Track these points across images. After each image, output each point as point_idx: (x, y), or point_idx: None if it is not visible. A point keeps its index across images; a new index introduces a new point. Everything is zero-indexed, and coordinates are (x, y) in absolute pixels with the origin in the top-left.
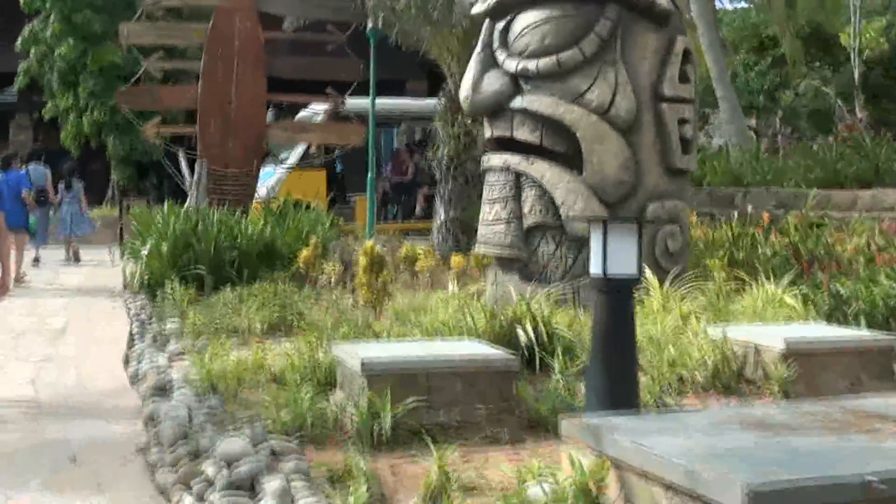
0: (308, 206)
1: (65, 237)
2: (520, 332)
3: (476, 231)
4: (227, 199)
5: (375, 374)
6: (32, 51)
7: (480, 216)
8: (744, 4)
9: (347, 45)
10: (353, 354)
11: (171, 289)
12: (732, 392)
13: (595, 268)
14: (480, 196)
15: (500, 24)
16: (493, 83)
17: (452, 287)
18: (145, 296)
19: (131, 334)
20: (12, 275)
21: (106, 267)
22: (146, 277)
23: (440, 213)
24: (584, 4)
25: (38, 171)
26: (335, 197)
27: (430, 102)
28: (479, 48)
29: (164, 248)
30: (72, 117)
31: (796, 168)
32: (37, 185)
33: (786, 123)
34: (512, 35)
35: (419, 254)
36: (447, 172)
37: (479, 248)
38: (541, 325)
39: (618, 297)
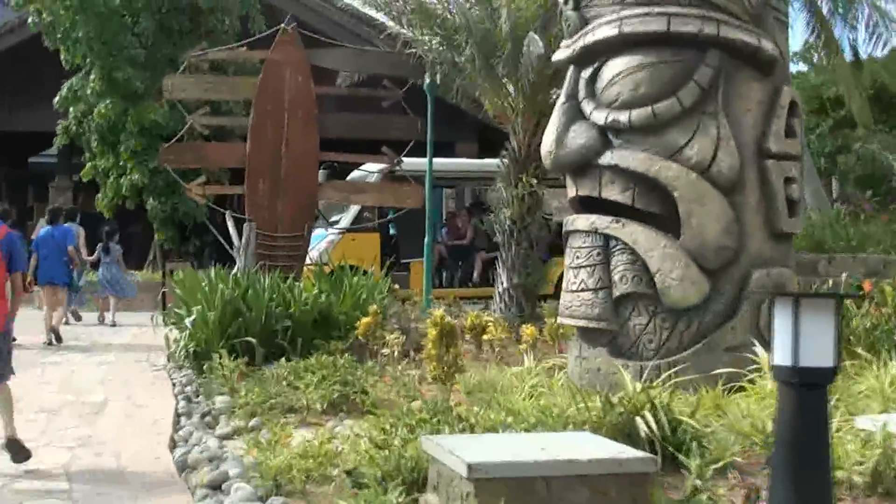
0: (363, 272)
1: (101, 300)
2: (640, 422)
3: (540, 298)
4: (277, 264)
5: (485, 480)
6: (72, 110)
7: (564, 284)
8: (803, 67)
9: (403, 102)
10: (452, 452)
11: (220, 361)
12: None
13: (781, 356)
14: (544, 261)
15: (587, 72)
16: (578, 137)
17: (528, 360)
18: (191, 368)
19: (177, 412)
20: (53, 322)
21: (147, 333)
22: (192, 347)
23: (502, 279)
24: (683, 50)
25: (69, 231)
26: (389, 262)
27: (490, 162)
28: (562, 99)
29: (211, 316)
30: (111, 179)
31: (884, 233)
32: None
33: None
34: (600, 84)
35: (487, 323)
36: (510, 236)
37: (562, 319)
38: (662, 414)
39: (811, 394)
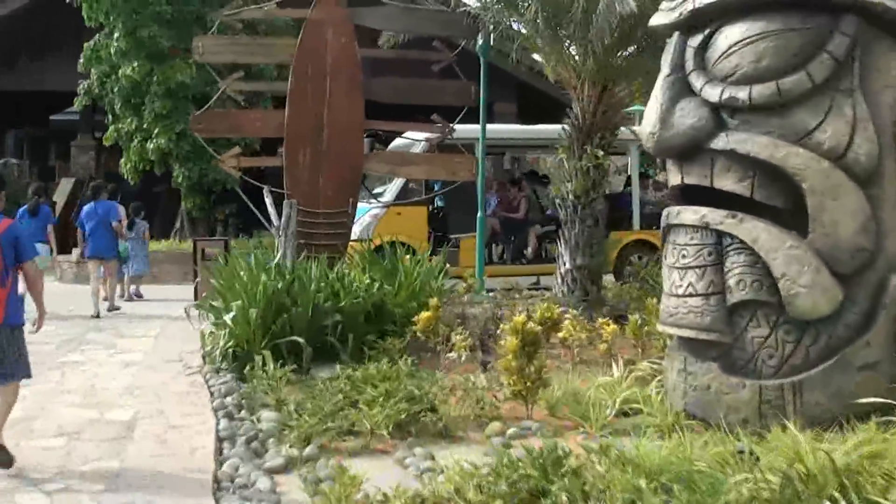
0: (412, 250)
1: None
2: None
3: (604, 278)
4: (319, 244)
5: None
6: (94, 70)
7: (665, 286)
8: None
9: (455, 65)
10: None
11: (263, 365)
12: None
13: None
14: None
15: (696, 40)
16: (687, 116)
17: (615, 369)
18: (230, 371)
19: (219, 437)
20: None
21: (178, 323)
22: (231, 348)
23: (564, 260)
24: (814, 15)
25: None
26: (437, 238)
27: (545, 129)
28: (665, 71)
29: (253, 313)
30: (135, 142)
31: None
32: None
33: None
34: (713, 54)
35: (562, 318)
36: (573, 212)
37: (663, 327)
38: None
39: None
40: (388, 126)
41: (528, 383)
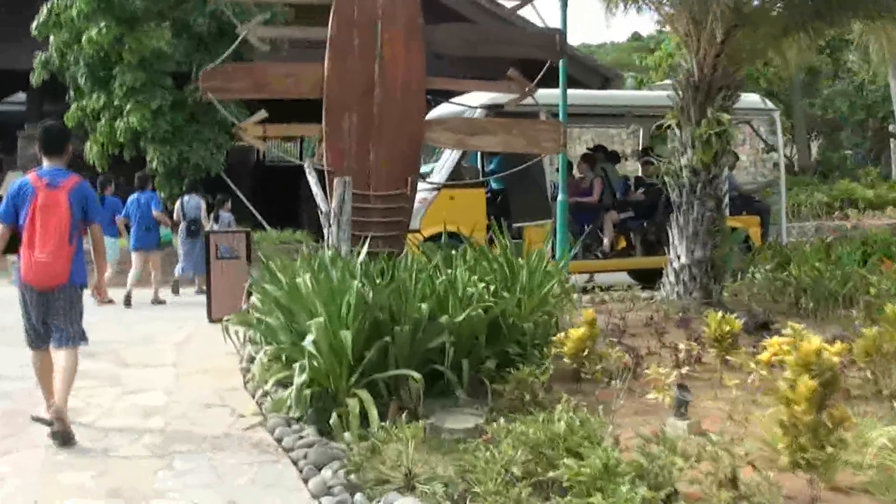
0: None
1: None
2: None
3: (731, 276)
4: (371, 234)
5: None
6: (52, 38)
7: None
8: None
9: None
10: None
11: (361, 413)
12: None
13: None
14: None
15: None
16: None
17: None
18: (310, 424)
19: None
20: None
21: (193, 344)
22: (309, 387)
23: (679, 253)
24: None
25: (193, 202)
26: (498, 226)
27: (653, 95)
28: None
29: (346, 336)
30: (102, 122)
31: None
32: (190, 216)
33: None
34: None
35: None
36: (689, 192)
37: None
38: None
39: None
40: (452, 84)
41: (824, 446)
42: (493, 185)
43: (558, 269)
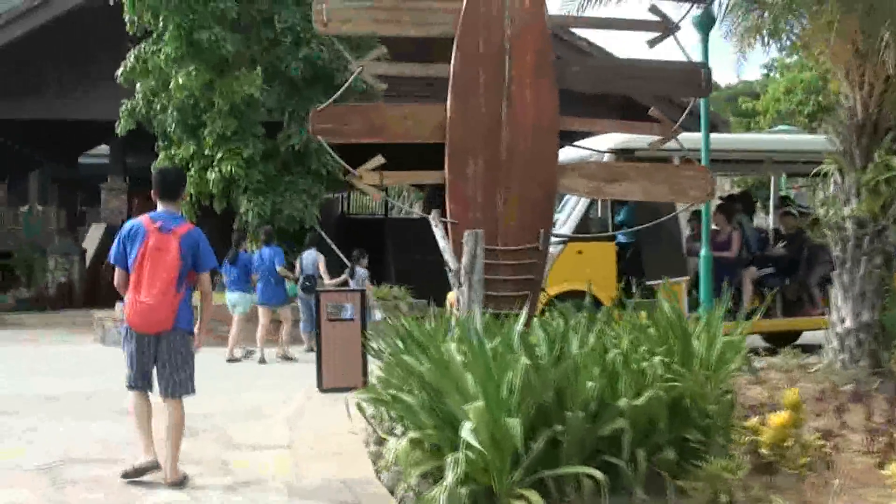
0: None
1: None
2: None
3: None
4: (501, 297)
5: None
6: (139, 86)
7: None
8: None
9: (677, 41)
10: None
11: None
12: None
13: None
14: None
15: None
16: None
17: None
18: None
19: None
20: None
21: (307, 419)
22: (467, 485)
23: (842, 314)
24: None
25: (311, 257)
26: (629, 284)
27: (806, 139)
28: None
29: (513, 425)
30: (192, 171)
31: None
32: (307, 272)
33: None
34: None
35: None
36: (854, 247)
37: None
38: None
39: None
40: (588, 125)
41: None
42: (621, 239)
43: (741, 339)
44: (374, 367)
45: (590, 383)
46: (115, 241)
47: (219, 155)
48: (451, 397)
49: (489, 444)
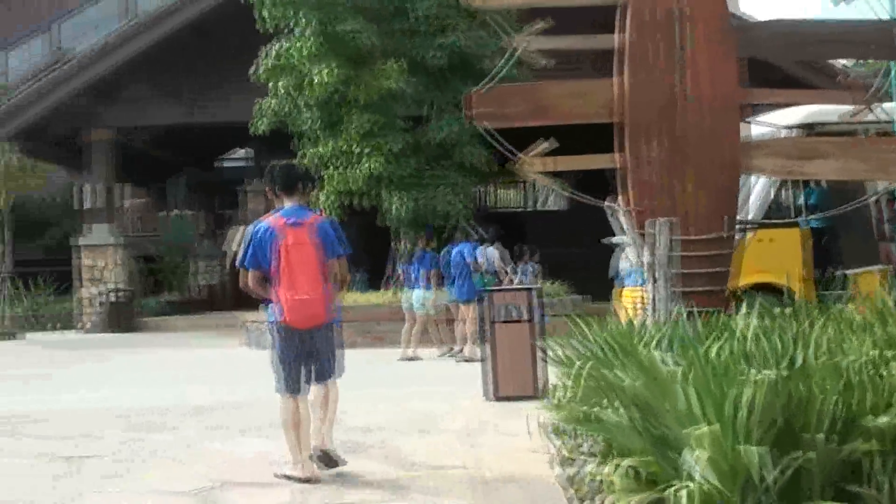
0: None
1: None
2: None
3: None
4: (692, 292)
5: None
6: (279, 85)
7: None
8: None
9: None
10: None
11: None
12: None
13: None
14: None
15: None
16: None
17: None
18: None
19: None
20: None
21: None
22: None
23: None
24: None
25: (494, 254)
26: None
27: None
28: None
29: (755, 454)
30: (332, 170)
31: None
32: (490, 269)
33: None
34: None
35: None
36: None
37: None
38: None
39: None
40: (772, 96)
41: None
42: (814, 225)
43: None
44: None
45: (832, 397)
46: (244, 244)
47: (364, 150)
48: (664, 416)
49: (723, 476)
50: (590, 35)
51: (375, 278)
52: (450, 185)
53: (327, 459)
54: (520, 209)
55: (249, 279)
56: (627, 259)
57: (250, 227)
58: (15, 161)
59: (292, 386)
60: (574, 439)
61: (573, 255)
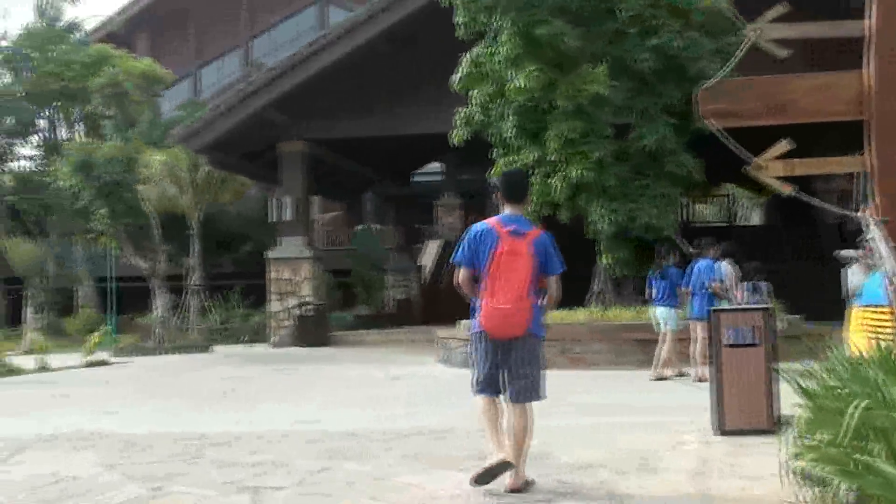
0: None
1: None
2: None
3: None
4: None
5: None
6: (476, 93)
7: None
8: None
9: None
10: None
11: None
12: None
13: None
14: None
15: None
16: None
17: None
18: None
19: None
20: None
21: (729, 468)
22: None
23: None
24: None
25: (726, 270)
26: None
27: None
28: None
29: None
30: (536, 178)
31: None
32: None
33: None
34: None
35: None
36: None
37: None
38: None
39: None
40: None
41: None
42: None
43: None
44: (789, 404)
45: None
46: (461, 242)
47: (565, 159)
48: None
49: None
50: (837, 21)
51: (577, 294)
52: (657, 196)
53: (500, 472)
54: (723, 223)
55: (461, 276)
56: (855, 275)
57: (474, 226)
58: (204, 174)
59: (484, 387)
60: (824, 486)
61: (780, 271)
